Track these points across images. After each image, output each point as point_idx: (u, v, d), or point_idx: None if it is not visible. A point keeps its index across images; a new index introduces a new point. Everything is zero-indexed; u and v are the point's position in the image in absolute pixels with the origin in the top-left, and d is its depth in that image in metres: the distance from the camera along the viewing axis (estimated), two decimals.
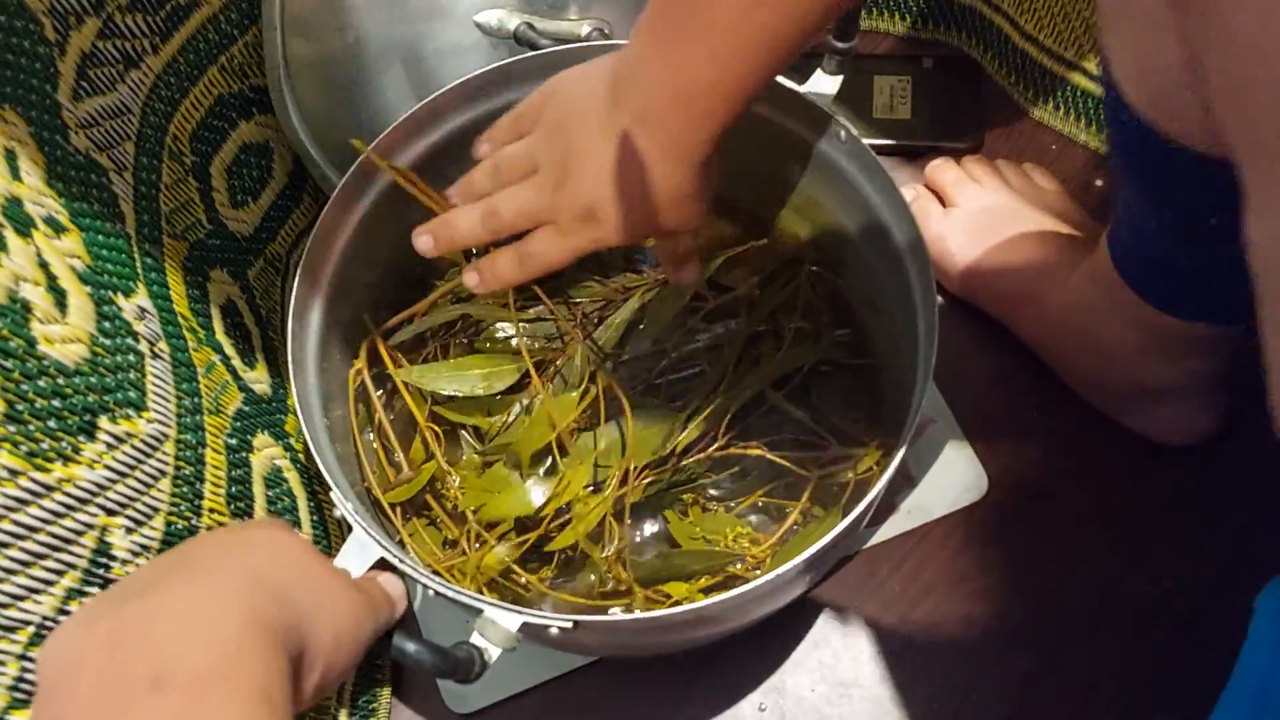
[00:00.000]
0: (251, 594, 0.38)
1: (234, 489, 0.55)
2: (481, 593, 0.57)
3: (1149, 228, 0.60)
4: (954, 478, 0.74)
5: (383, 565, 0.52)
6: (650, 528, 0.67)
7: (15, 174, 0.43)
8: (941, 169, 0.81)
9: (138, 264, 0.52)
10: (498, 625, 0.50)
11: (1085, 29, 0.79)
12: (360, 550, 0.52)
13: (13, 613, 0.40)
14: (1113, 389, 0.73)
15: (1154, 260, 0.62)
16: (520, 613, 0.49)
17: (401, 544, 0.60)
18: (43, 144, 0.46)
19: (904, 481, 0.74)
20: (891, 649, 0.70)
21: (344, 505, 0.53)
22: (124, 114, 0.55)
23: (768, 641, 0.71)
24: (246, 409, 0.59)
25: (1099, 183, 0.83)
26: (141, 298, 0.51)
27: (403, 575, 0.51)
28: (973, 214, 0.77)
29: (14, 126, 0.44)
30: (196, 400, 0.53)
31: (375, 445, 0.65)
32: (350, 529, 0.52)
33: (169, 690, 0.34)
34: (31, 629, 0.41)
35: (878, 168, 0.59)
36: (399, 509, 0.63)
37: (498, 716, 0.69)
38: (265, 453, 0.59)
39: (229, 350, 0.61)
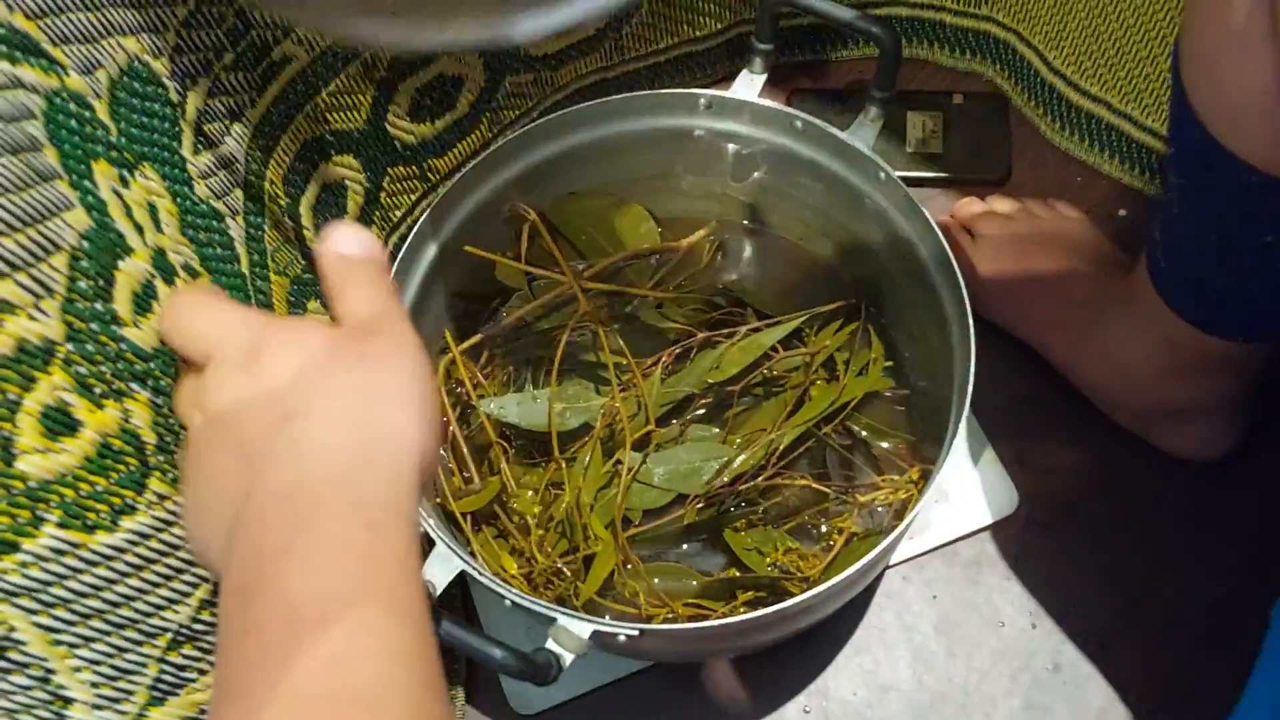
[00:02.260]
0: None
1: None
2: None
3: (1190, 248, 0.62)
4: (986, 492, 0.76)
5: (461, 577, 0.55)
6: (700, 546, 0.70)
7: (158, 226, 0.47)
8: (968, 204, 0.83)
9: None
10: (571, 633, 0.53)
11: (1109, 66, 0.82)
12: (443, 562, 0.55)
13: (155, 621, 0.44)
14: (1139, 408, 0.74)
15: (1193, 279, 0.63)
16: (592, 621, 0.52)
17: (473, 554, 0.63)
18: (175, 196, 0.50)
19: (939, 496, 0.75)
20: (927, 655, 0.73)
21: (426, 522, 0.56)
22: (232, 163, 0.59)
23: (811, 648, 0.73)
24: None
25: (1123, 212, 0.85)
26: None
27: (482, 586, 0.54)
28: (1000, 242, 0.79)
29: (152, 182, 0.48)
30: None
31: (448, 459, 0.68)
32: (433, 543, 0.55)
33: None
34: (169, 636, 0.45)
35: (915, 205, 0.62)
36: (468, 518, 0.66)
37: (558, 717, 0.71)
38: None
39: None
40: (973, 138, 0.90)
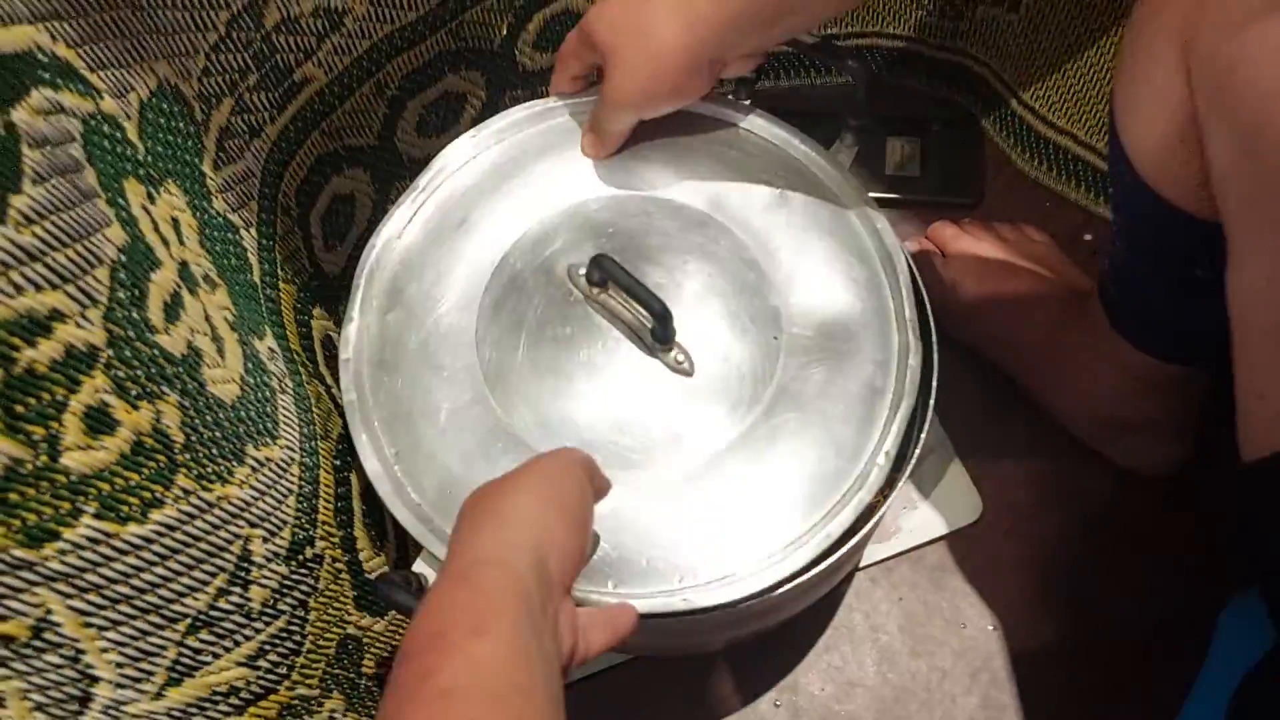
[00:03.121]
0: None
1: (339, 504, 0.60)
2: None
3: (1137, 278, 0.64)
4: (951, 501, 0.78)
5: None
6: None
7: (180, 239, 0.50)
8: (940, 227, 0.85)
9: (262, 309, 0.59)
10: None
11: (1075, 101, 0.85)
12: (432, 559, 0.56)
13: (177, 607, 0.46)
14: (1094, 423, 0.77)
15: (1139, 307, 0.66)
16: None
17: None
18: (195, 210, 0.53)
19: (907, 503, 0.78)
20: (892, 654, 0.74)
21: (401, 515, 0.58)
22: (249, 178, 0.62)
23: (783, 647, 0.75)
24: (347, 433, 0.63)
25: (1088, 237, 0.88)
26: (270, 340, 0.57)
27: None
28: (969, 263, 0.81)
29: (175, 197, 0.51)
30: (312, 427, 0.59)
31: None
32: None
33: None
34: (188, 621, 0.47)
35: (891, 237, 0.63)
36: None
37: None
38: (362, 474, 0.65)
39: (329, 381, 0.67)
40: (949, 163, 0.92)
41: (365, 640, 0.62)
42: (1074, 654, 0.73)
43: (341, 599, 0.59)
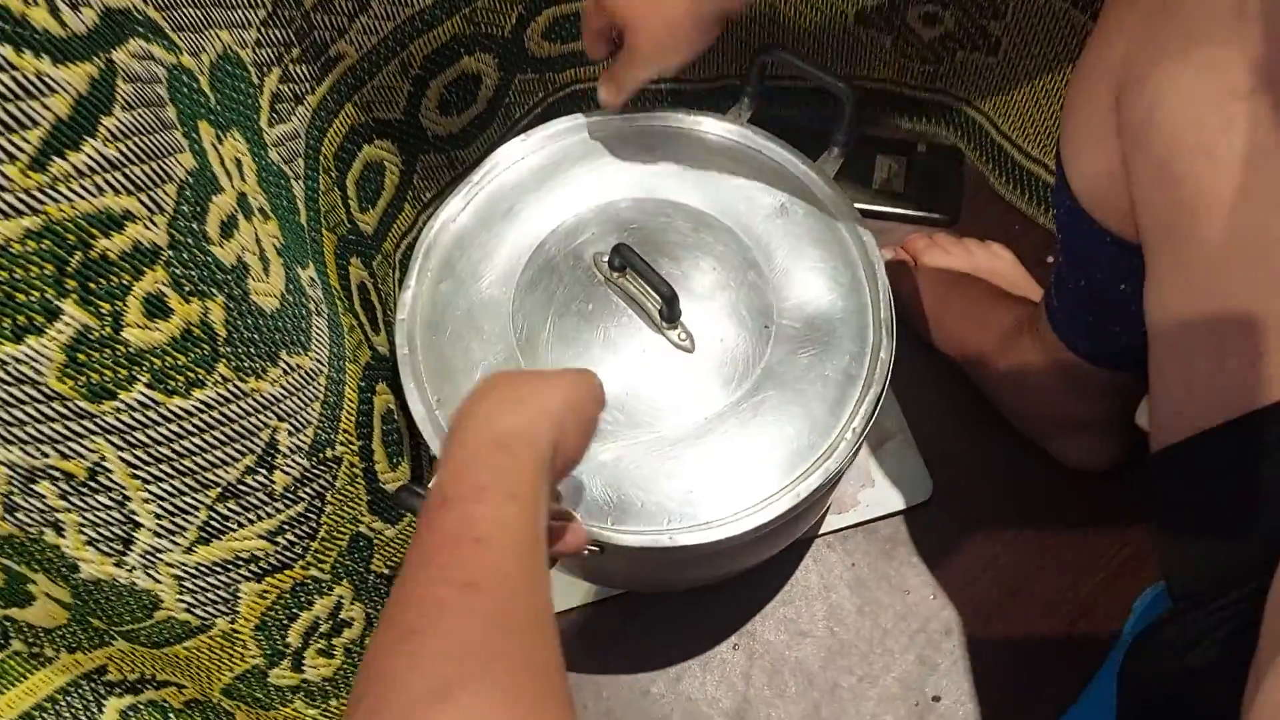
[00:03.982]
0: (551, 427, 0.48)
1: (360, 418, 0.65)
2: None
3: (1074, 291, 0.69)
4: (906, 482, 0.84)
5: None
6: None
7: (242, 177, 0.54)
8: (915, 239, 0.92)
9: (308, 247, 0.63)
10: None
11: (1048, 134, 0.90)
12: None
13: (209, 475, 0.51)
14: (1037, 421, 0.82)
15: (1076, 317, 0.71)
16: None
17: None
18: (255, 156, 0.58)
19: (866, 481, 0.84)
20: (841, 611, 0.80)
21: (437, 448, 0.66)
22: (296, 138, 0.67)
23: (744, 599, 0.81)
24: (373, 363, 0.69)
25: (1050, 259, 0.93)
26: (312, 271, 0.62)
27: None
28: (937, 274, 0.87)
29: (239, 143, 0.56)
30: (341, 350, 0.63)
31: None
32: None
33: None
34: (219, 489, 0.52)
35: (874, 248, 0.70)
36: None
37: None
38: (383, 398, 0.70)
39: (362, 319, 0.72)
40: (930, 182, 0.98)
41: (376, 542, 0.67)
42: (1004, 623, 0.79)
43: (356, 500, 0.64)
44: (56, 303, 0.42)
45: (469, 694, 0.35)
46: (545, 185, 0.73)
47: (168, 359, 0.48)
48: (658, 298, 0.64)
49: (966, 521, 0.84)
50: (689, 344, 0.66)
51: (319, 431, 0.59)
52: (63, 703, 0.55)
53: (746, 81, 0.77)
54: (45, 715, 0.54)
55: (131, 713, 0.58)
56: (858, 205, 0.71)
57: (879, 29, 0.86)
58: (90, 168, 0.42)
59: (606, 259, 0.67)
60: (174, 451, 0.50)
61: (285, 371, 0.55)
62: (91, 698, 0.56)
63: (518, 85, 0.89)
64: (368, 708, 0.36)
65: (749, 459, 0.63)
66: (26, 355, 0.43)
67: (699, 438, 0.64)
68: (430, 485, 0.47)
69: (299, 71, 0.69)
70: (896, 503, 0.84)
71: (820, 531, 0.83)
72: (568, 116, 0.76)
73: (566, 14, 0.85)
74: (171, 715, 0.60)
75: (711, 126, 0.76)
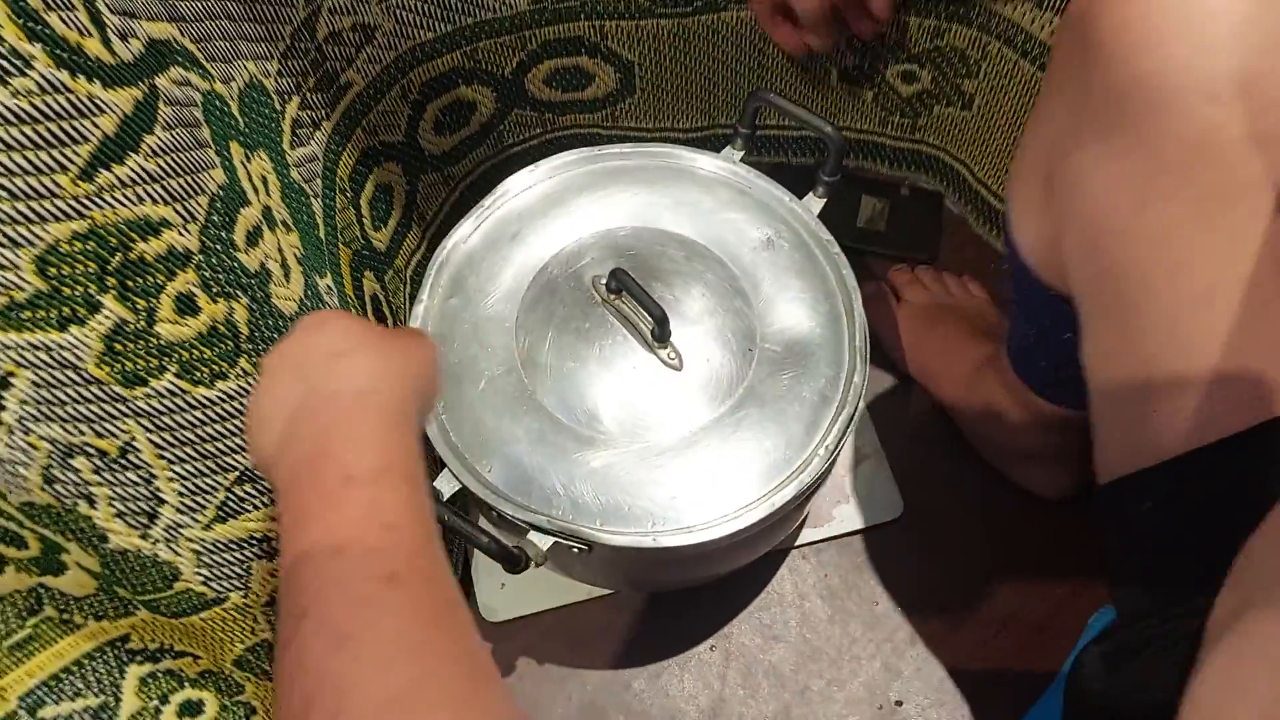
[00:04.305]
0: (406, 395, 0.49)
1: None
2: None
3: (1028, 337, 0.73)
4: (878, 500, 0.88)
5: (464, 491, 0.70)
6: None
7: (268, 193, 0.58)
8: (898, 274, 0.96)
9: (325, 259, 0.67)
10: (535, 543, 0.65)
11: None
12: (449, 479, 0.67)
13: (228, 460, 0.54)
14: (1001, 451, 0.86)
15: (1031, 360, 0.75)
16: (551, 533, 0.65)
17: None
18: (279, 174, 0.62)
19: (841, 498, 0.88)
20: (813, 619, 0.84)
21: (442, 450, 0.71)
22: (314, 160, 0.71)
23: (723, 604, 0.85)
24: None
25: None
26: (329, 280, 0.65)
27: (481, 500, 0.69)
28: (916, 309, 0.91)
29: (264, 163, 0.60)
30: None
31: None
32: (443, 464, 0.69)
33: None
34: (236, 473, 0.55)
35: (853, 281, 0.74)
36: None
37: (518, 627, 0.84)
38: None
39: (382, 322, 0.76)
40: (912, 222, 1.02)
41: None
42: (966, 636, 0.82)
43: None
44: (98, 297, 0.46)
45: (423, 703, 0.37)
46: (550, 212, 0.78)
47: (195, 352, 0.51)
48: (650, 319, 0.69)
49: (934, 539, 0.87)
50: (678, 363, 0.70)
51: None
52: (88, 667, 0.58)
53: (740, 124, 0.82)
54: (72, 678, 0.58)
55: (150, 680, 0.61)
56: (842, 242, 0.76)
57: (860, 85, 0.91)
58: (132, 179, 0.46)
59: (604, 282, 0.72)
60: (197, 436, 0.53)
61: None
62: (115, 664, 0.60)
63: (514, 118, 0.92)
64: (323, 713, 0.36)
65: (729, 470, 0.67)
66: (69, 342, 0.46)
67: (684, 449, 0.67)
68: (305, 434, 0.47)
69: (315, 99, 0.73)
70: (869, 519, 0.88)
71: (796, 543, 0.87)
72: (573, 150, 0.81)
73: (567, 66, 0.89)
74: (187, 684, 0.64)
75: (706, 163, 0.81)
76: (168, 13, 0.53)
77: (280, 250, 0.58)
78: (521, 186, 0.79)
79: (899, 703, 0.81)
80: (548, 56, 0.87)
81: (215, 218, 0.51)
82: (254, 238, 0.55)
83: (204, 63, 0.56)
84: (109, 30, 0.45)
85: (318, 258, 0.67)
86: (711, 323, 0.72)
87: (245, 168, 0.56)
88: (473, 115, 0.90)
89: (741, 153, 0.82)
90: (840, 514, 0.88)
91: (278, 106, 0.66)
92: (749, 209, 0.78)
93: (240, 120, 0.59)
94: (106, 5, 0.45)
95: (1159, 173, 0.49)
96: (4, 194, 0.41)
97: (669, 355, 0.70)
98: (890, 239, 1.02)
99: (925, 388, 0.92)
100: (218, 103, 0.55)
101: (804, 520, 0.87)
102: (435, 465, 0.69)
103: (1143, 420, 0.53)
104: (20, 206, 0.42)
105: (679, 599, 0.85)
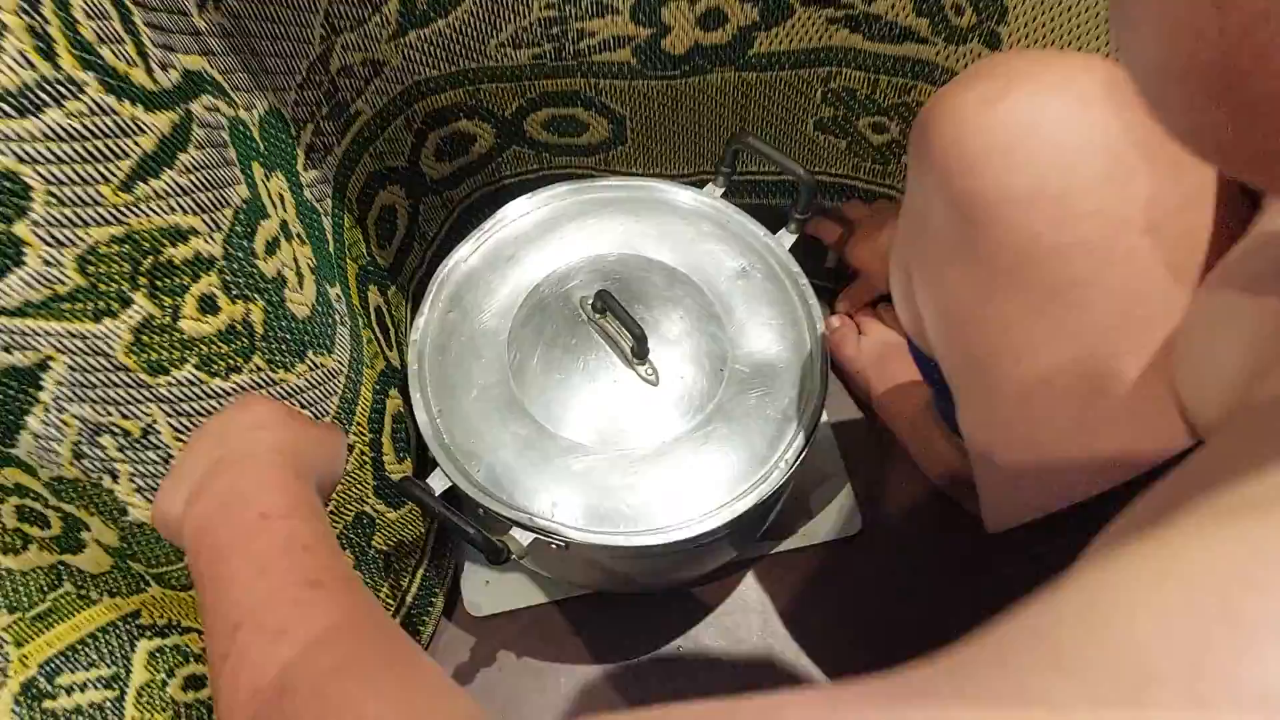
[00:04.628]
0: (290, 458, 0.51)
1: (373, 415, 0.72)
2: None
3: (938, 391, 0.74)
4: (839, 517, 0.92)
5: (455, 489, 0.74)
6: None
7: (284, 209, 0.62)
8: (861, 313, 1.01)
9: (334, 270, 0.71)
10: (516, 539, 0.69)
11: None
12: (441, 477, 0.72)
13: None
14: (948, 479, 0.90)
15: (944, 406, 0.78)
16: (532, 530, 0.69)
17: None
18: (293, 193, 0.65)
19: (804, 514, 0.92)
20: (773, 623, 0.88)
21: (436, 450, 0.76)
22: (325, 182, 0.75)
23: (692, 609, 0.89)
24: (388, 371, 0.76)
25: None
26: (338, 289, 0.69)
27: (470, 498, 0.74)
28: (877, 344, 0.96)
29: (281, 182, 0.63)
30: (360, 356, 0.71)
31: None
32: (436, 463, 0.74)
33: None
34: None
35: (817, 312, 0.80)
36: None
37: (500, 622, 0.87)
38: (394, 401, 0.77)
39: (378, 335, 0.79)
40: None
41: (379, 522, 0.74)
42: (915, 644, 0.88)
43: (363, 483, 0.71)
44: (130, 294, 0.50)
45: (358, 671, 0.40)
46: (544, 237, 0.83)
47: (213, 347, 0.55)
48: (631, 337, 0.74)
49: (890, 555, 0.91)
50: (654, 378, 0.76)
51: (336, 421, 0.66)
52: (102, 640, 0.62)
53: (722, 164, 0.88)
54: (88, 649, 0.61)
55: (159, 654, 0.65)
56: (812, 280, 0.82)
57: (834, 135, 0.97)
58: (166, 192, 0.50)
59: (590, 302, 0.77)
60: (203, 421, 0.57)
61: (310, 368, 0.63)
62: (126, 637, 0.63)
63: (511, 153, 0.96)
64: (272, 692, 0.39)
65: (698, 478, 0.71)
66: (102, 333, 0.50)
67: (658, 457, 0.72)
68: (217, 488, 0.50)
69: (326, 126, 0.77)
70: (830, 535, 0.92)
71: (761, 554, 0.91)
72: (567, 181, 0.87)
73: (565, 115, 0.93)
74: (192, 659, 0.68)
75: (689, 199, 0.87)
76: (200, 46, 0.57)
77: (295, 260, 0.62)
78: (519, 213, 0.85)
79: None
80: (545, 105, 0.91)
81: (238, 228, 0.55)
82: (272, 247, 0.59)
83: (230, 91, 0.60)
84: (151, 61, 0.49)
85: (328, 269, 0.70)
86: (687, 343, 0.78)
87: (265, 185, 0.60)
88: (472, 146, 0.95)
89: (722, 190, 0.88)
90: (803, 528, 0.92)
91: (293, 132, 0.70)
92: (726, 241, 0.84)
93: (261, 144, 0.63)
94: (150, 39, 0.49)
95: (994, 274, 0.53)
96: (54, 200, 0.46)
97: (647, 371, 0.76)
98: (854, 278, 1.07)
99: (881, 416, 0.97)
100: (241, 127, 0.59)
101: (769, 532, 0.92)
102: (428, 465, 0.75)
103: (1012, 483, 0.58)
104: (67, 212, 0.46)
105: (651, 601, 0.89)
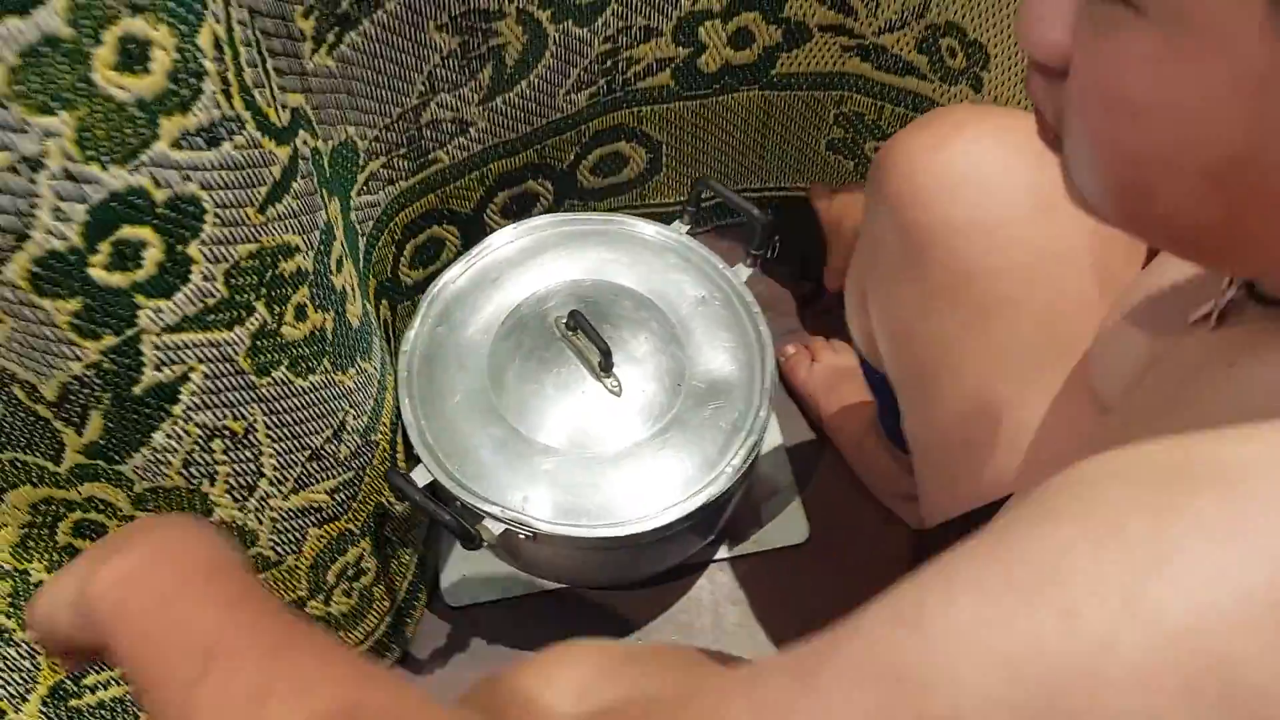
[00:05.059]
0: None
1: (395, 418, 0.79)
2: None
3: (883, 405, 0.83)
4: (787, 527, 0.99)
5: (436, 483, 0.80)
6: None
7: (338, 229, 0.68)
8: (815, 340, 1.09)
9: (364, 286, 0.77)
10: (488, 527, 0.77)
11: None
12: (424, 472, 0.79)
13: (306, 440, 0.64)
14: (887, 493, 0.98)
15: (887, 420, 0.85)
16: (503, 521, 0.76)
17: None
18: (343, 215, 0.72)
19: (755, 522, 1.00)
20: (725, 621, 0.95)
21: (420, 448, 0.83)
22: (374, 207, 0.82)
23: (650, 606, 0.96)
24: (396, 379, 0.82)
25: None
26: (368, 304, 0.76)
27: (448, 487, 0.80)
28: (826, 371, 1.04)
29: (335, 205, 0.69)
30: (385, 364, 0.78)
31: None
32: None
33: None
34: (310, 451, 0.65)
35: (767, 337, 0.88)
36: None
37: (475, 612, 0.95)
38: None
39: (389, 343, 0.86)
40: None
41: (390, 512, 0.81)
42: None
43: (382, 477, 0.78)
44: (254, 303, 0.56)
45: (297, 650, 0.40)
46: (526, 263, 0.92)
47: (300, 350, 0.61)
48: (598, 353, 0.83)
49: (833, 561, 0.99)
50: (619, 390, 0.84)
51: (369, 420, 0.74)
52: None
53: (687, 203, 0.97)
54: None
55: None
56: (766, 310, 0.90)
57: (844, 155, 1.06)
58: (285, 214, 0.56)
59: (564, 321, 0.86)
60: (293, 419, 0.63)
61: (358, 372, 0.70)
62: None
63: (565, 208, 1.05)
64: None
65: (655, 479, 0.80)
66: (233, 339, 0.56)
67: (619, 460, 0.80)
68: (138, 548, 0.46)
69: (399, 163, 0.85)
70: (778, 542, 0.99)
71: (714, 558, 0.99)
72: (550, 214, 0.96)
73: (610, 153, 1.03)
74: None
75: (657, 232, 0.95)
76: (302, 85, 0.64)
77: (350, 276, 0.70)
78: (503, 241, 0.93)
79: None
80: (596, 145, 1.01)
81: (322, 246, 0.62)
82: (340, 264, 0.66)
83: (314, 124, 0.67)
84: (278, 100, 0.56)
85: (364, 285, 0.77)
86: (650, 361, 0.86)
87: (328, 208, 0.67)
88: (534, 206, 1.04)
89: (688, 226, 0.97)
90: (754, 535, 1.00)
91: (361, 162, 0.77)
92: (689, 272, 0.92)
93: (329, 170, 0.70)
94: (278, 84, 0.57)
95: (934, 295, 0.62)
96: (219, 221, 0.52)
97: (612, 384, 0.84)
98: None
99: (831, 436, 1.05)
100: (317, 156, 0.66)
101: (722, 538, 1.00)
102: (413, 460, 0.83)
103: (950, 481, 0.65)
104: (225, 231, 0.53)
105: (613, 597, 0.96)
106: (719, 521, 0.90)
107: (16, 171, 0.44)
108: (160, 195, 0.49)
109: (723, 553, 1.00)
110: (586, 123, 0.98)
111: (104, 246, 0.49)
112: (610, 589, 0.97)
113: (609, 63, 0.92)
